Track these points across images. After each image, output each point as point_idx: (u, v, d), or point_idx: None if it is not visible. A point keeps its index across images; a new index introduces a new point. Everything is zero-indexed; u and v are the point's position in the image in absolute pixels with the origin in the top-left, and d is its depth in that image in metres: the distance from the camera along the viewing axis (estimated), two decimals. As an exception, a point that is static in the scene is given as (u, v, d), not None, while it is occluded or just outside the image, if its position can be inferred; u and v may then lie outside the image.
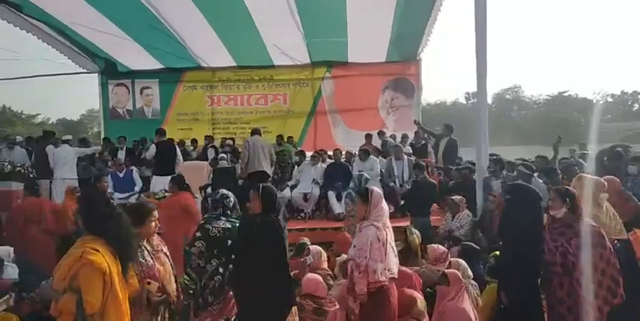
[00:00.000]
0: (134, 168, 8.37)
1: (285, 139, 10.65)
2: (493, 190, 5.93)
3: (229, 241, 3.64)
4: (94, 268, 2.55)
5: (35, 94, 49.18)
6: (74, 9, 8.36)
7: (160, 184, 7.59)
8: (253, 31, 9.43)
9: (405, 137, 10.06)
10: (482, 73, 6.34)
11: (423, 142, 9.32)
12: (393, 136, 10.38)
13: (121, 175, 8.14)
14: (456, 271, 4.07)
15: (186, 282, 3.56)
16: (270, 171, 7.81)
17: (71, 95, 64.05)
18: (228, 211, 3.87)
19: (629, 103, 43.40)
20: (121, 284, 2.70)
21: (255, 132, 8.18)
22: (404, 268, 4.16)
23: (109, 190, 7.86)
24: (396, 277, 3.43)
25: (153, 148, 8.03)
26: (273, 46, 10.28)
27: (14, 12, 8.33)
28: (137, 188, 8.04)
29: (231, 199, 4.02)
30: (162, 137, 8.33)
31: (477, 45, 6.32)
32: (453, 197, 6.04)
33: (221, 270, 3.68)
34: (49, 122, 41.08)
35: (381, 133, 10.57)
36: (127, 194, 7.83)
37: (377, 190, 3.64)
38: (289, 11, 8.56)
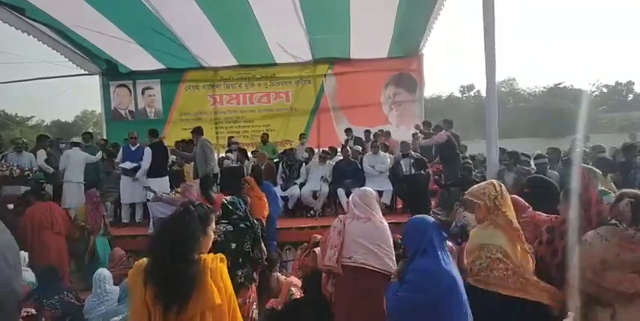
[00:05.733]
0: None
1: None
2: (506, 183, 5.94)
3: (233, 245, 3.61)
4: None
5: (31, 97, 48.87)
6: (77, 11, 8.27)
7: (156, 185, 7.60)
8: (256, 30, 9.37)
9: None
10: (492, 67, 6.30)
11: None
12: (387, 134, 10.39)
13: (133, 148, 8.22)
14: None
15: None
16: None
17: (65, 97, 63.57)
18: (230, 213, 3.82)
19: (624, 93, 43.60)
20: None
21: (201, 132, 8.23)
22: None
23: (117, 160, 8.19)
24: (359, 266, 3.41)
25: (148, 151, 7.91)
26: (276, 44, 10.23)
27: (16, 15, 8.27)
28: (144, 163, 7.93)
29: (234, 200, 4.00)
30: (155, 138, 8.26)
31: (485, 38, 6.28)
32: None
33: None
34: (44, 124, 40.94)
35: (367, 132, 10.54)
36: (135, 164, 7.90)
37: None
38: (293, 8, 8.52)
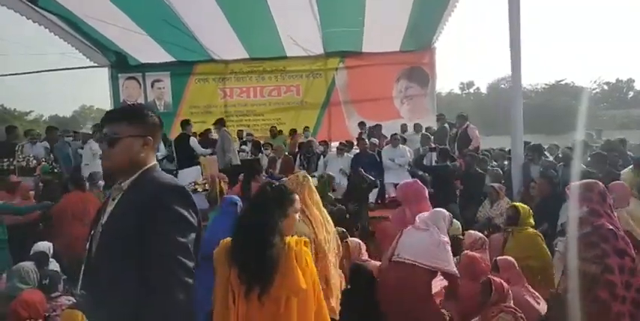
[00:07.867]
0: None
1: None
2: (532, 177, 5.94)
3: None
4: None
5: (29, 91, 48.65)
6: (88, 2, 8.22)
7: (188, 175, 7.47)
8: (269, 23, 9.31)
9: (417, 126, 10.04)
10: (517, 62, 6.40)
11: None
12: (405, 127, 10.35)
13: None
14: (508, 258, 4.05)
15: None
16: None
17: (64, 92, 63.31)
18: None
19: (624, 90, 43.79)
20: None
21: (224, 124, 8.27)
22: (472, 253, 4.21)
23: None
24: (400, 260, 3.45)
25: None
26: (288, 37, 10.15)
27: (29, 5, 8.16)
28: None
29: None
30: (182, 130, 8.33)
31: (510, 34, 6.35)
32: (492, 184, 6.03)
33: None
34: (42, 119, 40.69)
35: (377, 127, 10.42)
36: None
37: None
38: (308, 1, 8.46)
